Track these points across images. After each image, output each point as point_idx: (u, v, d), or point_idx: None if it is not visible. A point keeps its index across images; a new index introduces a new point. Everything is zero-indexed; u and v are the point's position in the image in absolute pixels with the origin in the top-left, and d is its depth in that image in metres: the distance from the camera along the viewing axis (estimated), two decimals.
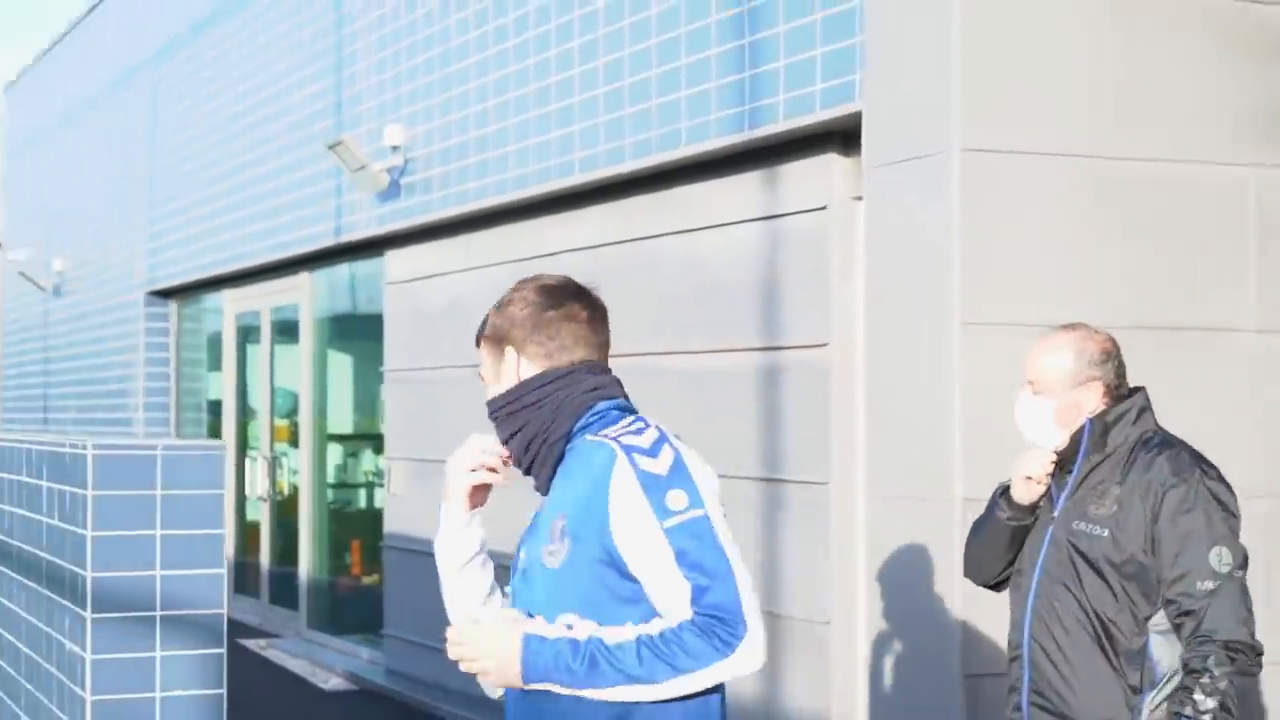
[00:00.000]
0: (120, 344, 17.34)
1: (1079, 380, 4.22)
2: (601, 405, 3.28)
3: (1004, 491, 4.39)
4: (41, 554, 6.77)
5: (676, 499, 3.06)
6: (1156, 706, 4.06)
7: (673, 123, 7.92)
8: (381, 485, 11.77)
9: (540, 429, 3.29)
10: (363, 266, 12.26)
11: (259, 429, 14.56)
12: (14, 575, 7.38)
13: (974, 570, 4.59)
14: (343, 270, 12.80)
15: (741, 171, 7.85)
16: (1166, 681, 4.06)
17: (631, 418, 3.25)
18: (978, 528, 4.53)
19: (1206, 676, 3.94)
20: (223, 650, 6.03)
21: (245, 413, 15.22)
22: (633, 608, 3.11)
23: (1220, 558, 4.01)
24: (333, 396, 13.52)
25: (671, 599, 3.05)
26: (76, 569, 6.10)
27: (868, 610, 7.00)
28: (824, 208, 7.34)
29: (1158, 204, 6.36)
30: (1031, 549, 4.31)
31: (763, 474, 7.72)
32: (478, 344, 3.48)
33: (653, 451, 3.09)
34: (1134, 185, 6.31)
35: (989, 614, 5.82)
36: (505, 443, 3.35)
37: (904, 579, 6.22)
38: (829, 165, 7.29)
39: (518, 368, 3.35)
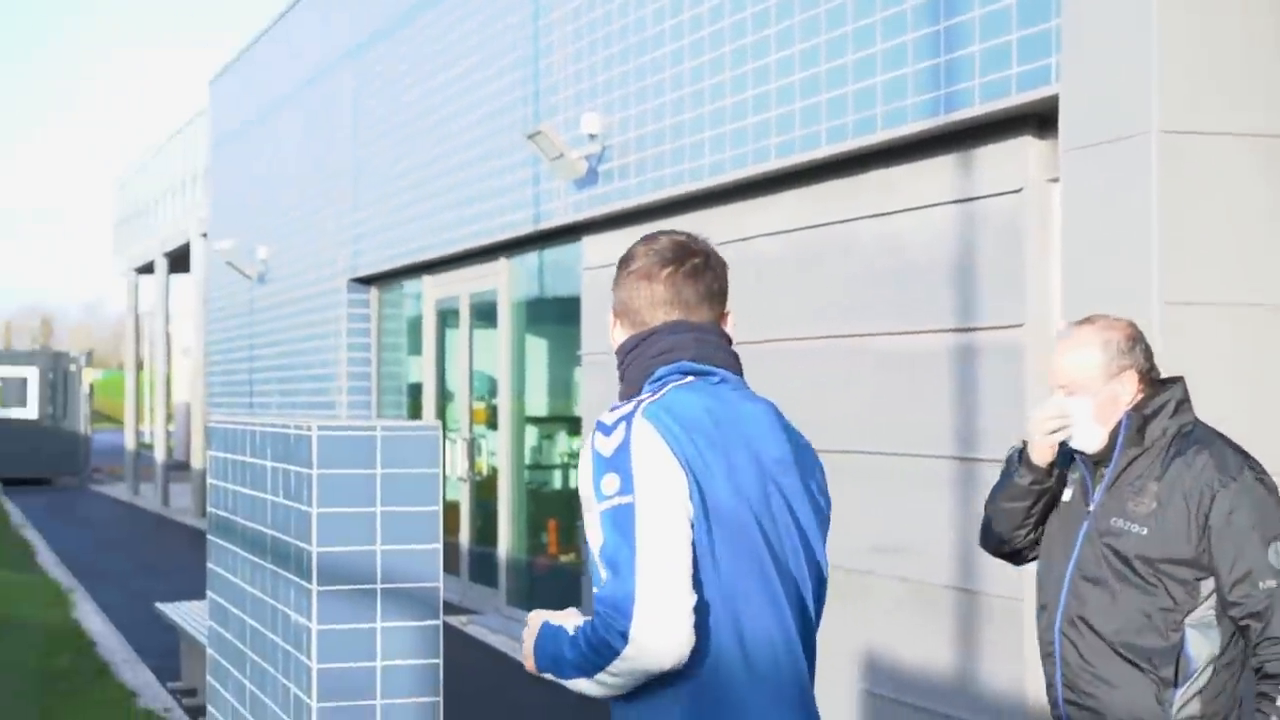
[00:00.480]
0: (323, 329, 17.82)
1: (1112, 372, 4.11)
2: (661, 370, 3.20)
3: (1020, 455, 4.31)
4: (267, 530, 7.09)
5: (609, 483, 3.00)
6: (1188, 701, 4.01)
7: (868, 108, 8.03)
8: (577, 467, 12.01)
9: (623, 396, 3.24)
10: (560, 252, 12.50)
11: (458, 412, 14.91)
12: (239, 550, 7.73)
13: (992, 540, 4.50)
14: (540, 256, 13.06)
15: (937, 155, 7.93)
16: (1199, 674, 4.01)
17: (654, 390, 3.16)
18: (994, 496, 4.43)
19: None
20: (439, 622, 6.29)
21: (444, 396, 15.59)
22: None
23: (1279, 553, 3.95)
24: (530, 380, 13.81)
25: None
26: (302, 544, 6.40)
27: None
28: (1019, 190, 7.41)
29: None
30: (1064, 543, 4.23)
31: (958, 453, 7.82)
32: None
33: (609, 429, 3.04)
34: None
35: None
36: None
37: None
38: (1024, 148, 7.35)
39: (612, 331, 3.34)
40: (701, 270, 3.24)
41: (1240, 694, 4.08)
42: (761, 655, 3.09)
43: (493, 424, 14.18)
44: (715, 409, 3.12)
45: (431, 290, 15.24)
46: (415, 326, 16.28)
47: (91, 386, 36.83)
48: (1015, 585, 7.44)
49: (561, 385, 13.58)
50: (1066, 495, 4.31)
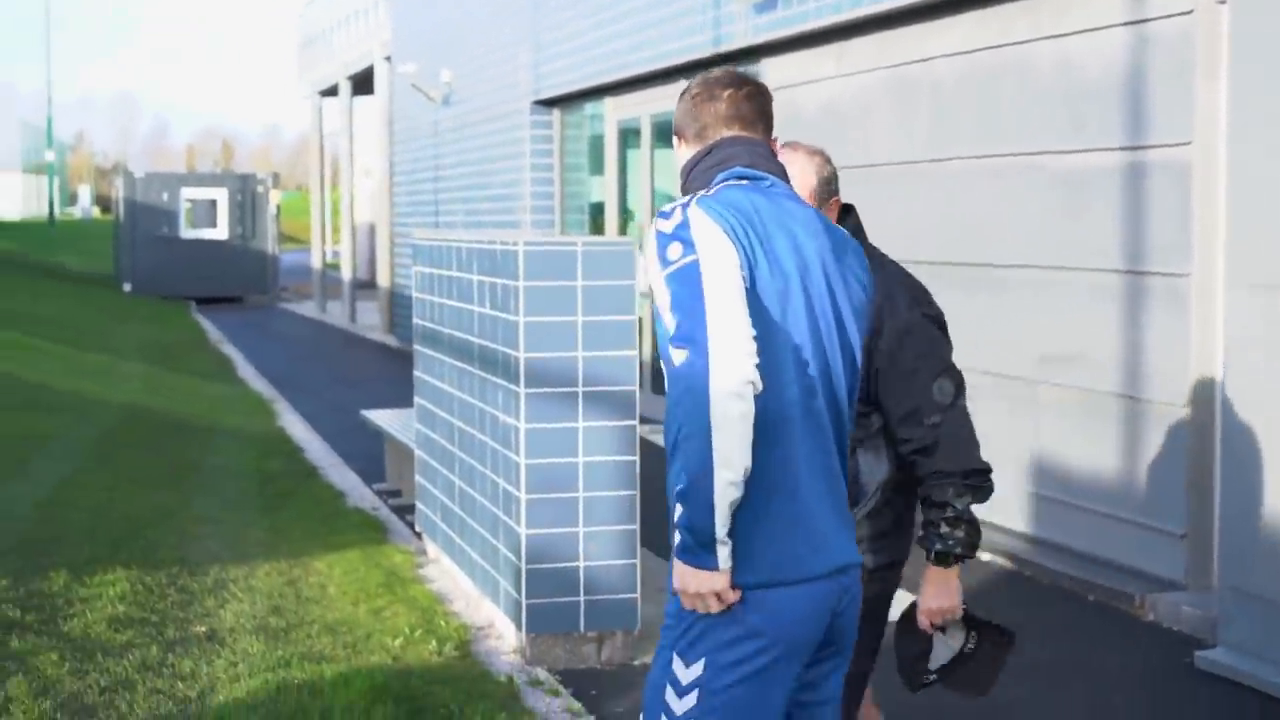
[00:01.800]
0: (506, 151, 18.31)
1: (823, 199, 4.32)
2: (720, 175, 3.56)
3: None
4: (474, 339, 7.66)
5: (674, 250, 3.33)
6: (858, 522, 4.15)
7: None
8: None
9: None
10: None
11: (638, 230, 15.37)
12: (445, 358, 8.32)
13: None
14: None
15: None
16: (870, 498, 4.20)
17: (720, 185, 3.52)
18: None
19: (950, 510, 4.10)
20: (635, 422, 6.82)
21: (626, 214, 16.05)
22: None
23: (942, 390, 4.12)
24: None
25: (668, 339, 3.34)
26: (509, 351, 6.96)
27: (1223, 398, 7.41)
28: (1190, 12, 7.62)
29: None
30: None
31: (1126, 267, 8.13)
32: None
33: (668, 214, 3.40)
34: None
35: None
36: None
37: (1261, 367, 6.58)
38: None
39: (680, 153, 3.74)
40: (755, 94, 3.65)
41: (906, 519, 4.32)
42: (800, 408, 3.40)
43: None
44: (761, 204, 3.46)
45: (613, 111, 15.63)
46: (597, 147, 16.70)
47: (278, 207, 37.83)
48: (1179, 393, 7.80)
49: None
50: None
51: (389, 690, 6.02)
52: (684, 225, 3.35)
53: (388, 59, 25.51)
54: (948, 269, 9.65)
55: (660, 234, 3.38)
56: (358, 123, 31.25)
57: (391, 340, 25.25)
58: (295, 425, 15.10)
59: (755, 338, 3.29)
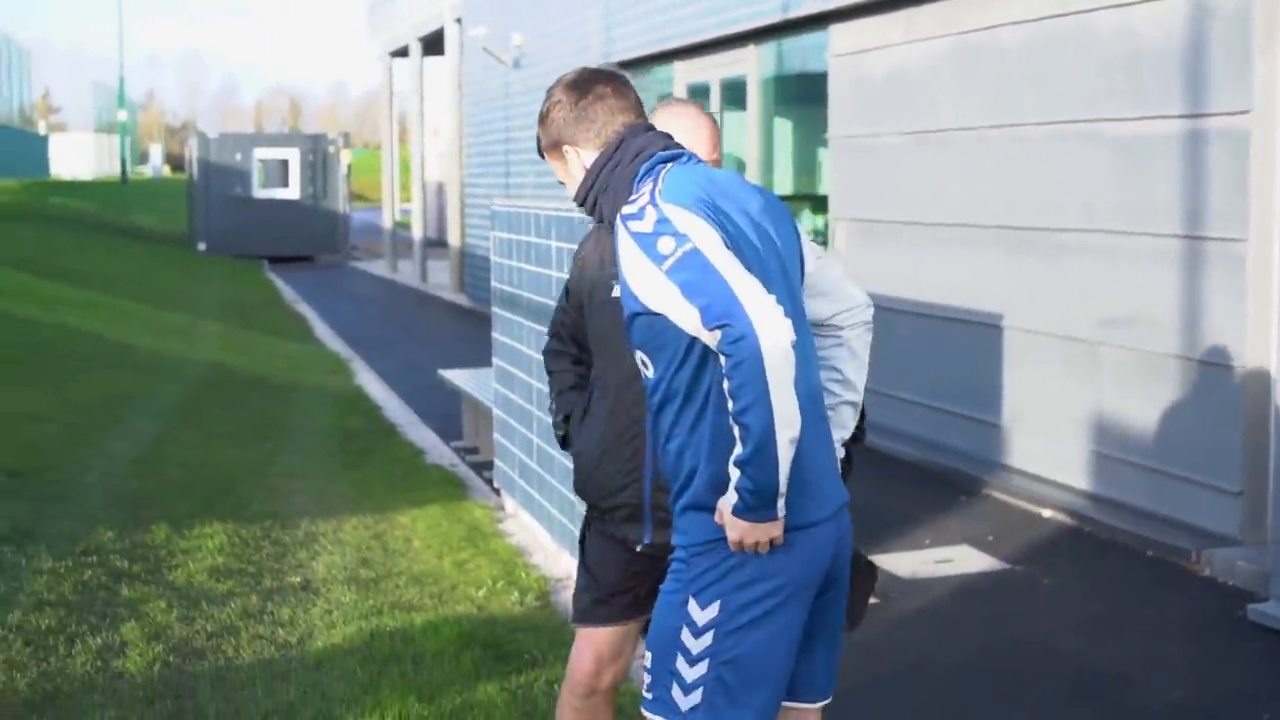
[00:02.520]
0: None
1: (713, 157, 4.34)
2: (643, 167, 3.68)
3: None
4: (551, 302, 7.95)
5: (665, 244, 3.41)
6: None
7: None
8: (815, 241, 12.67)
9: (615, 208, 3.69)
10: (807, 39, 13.02)
11: None
12: (524, 321, 8.63)
13: None
14: (788, 43, 13.59)
15: None
16: None
17: (651, 180, 3.60)
18: None
19: None
20: None
21: None
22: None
23: None
24: (777, 160, 14.45)
25: (692, 326, 3.40)
26: None
27: (1279, 360, 7.67)
28: None
29: None
30: None
31: (1184, 232, 8.35)
32: (542, 157, 3.95)
33: (638, 214, 3.47)
34: None
35: None
36: None
37: None
38: None
39: (580, 160, 3.80)
40: (626, 82, 3.83)
41: None
42: (798, 356, 3.46)
43: None
44: (701, 179, 3.59)
45: (682, 75, 15.87)
46: None
47: (349, 167, 38.27)
48: (1235, 354, 8.03)
49: (807, 166, 14.19)
50: None
51: (476, 637, 6.36)
52: (663, 220, 3.44)
53: (458, 21, 25.80)
54: (1008, 232, 9.89)
55: (640, 235, 3.44)
56: (427, 83, 31.55)
57: (462, 299, 25.61)
58: (372, 384, 15.49)
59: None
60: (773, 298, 3.36)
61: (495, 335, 9.43)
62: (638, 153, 3.70)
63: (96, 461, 9.60)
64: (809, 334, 3.69)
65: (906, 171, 11.17)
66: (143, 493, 8.89)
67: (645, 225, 3.45)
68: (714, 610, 3.50)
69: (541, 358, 4.18)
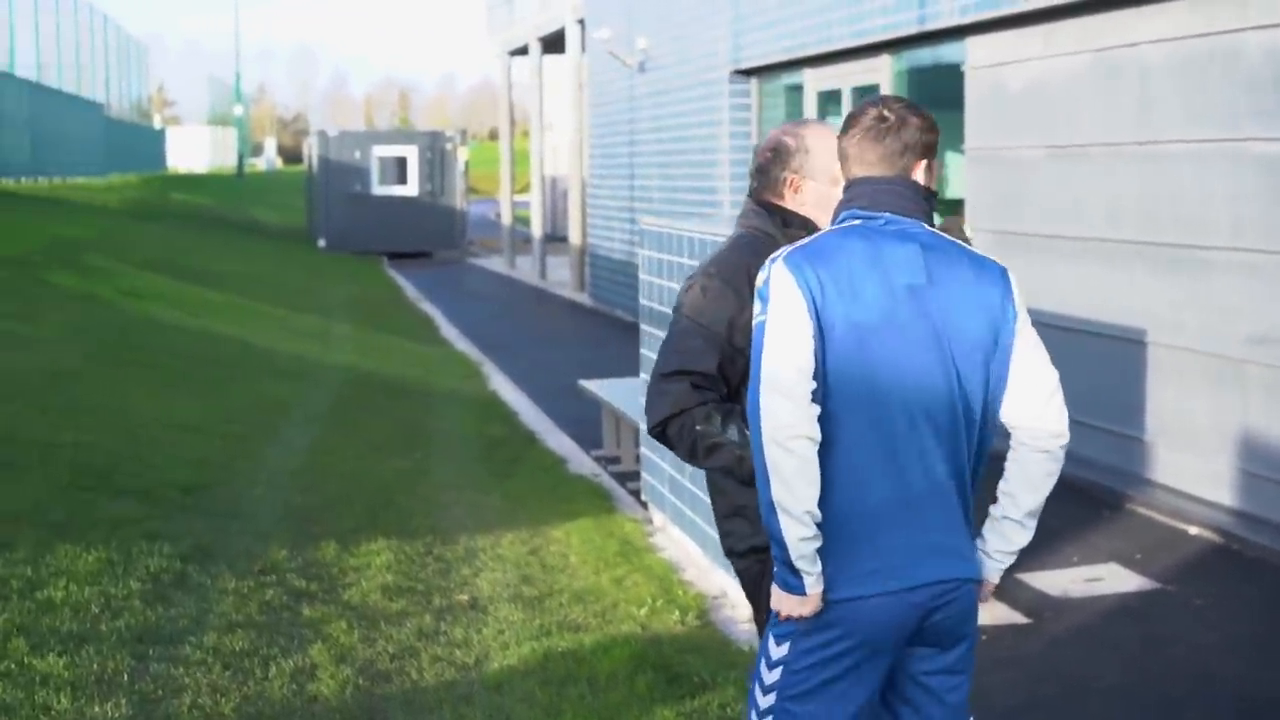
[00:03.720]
0: (703, 118, 18.72)
1: None
2: (843, 214, 3.80)
3: None
4: None
5: (758, 306, 3.69)
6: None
7: None
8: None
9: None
10: (943, 51, 13.08)
11: None
12: None
13: None
14: (923, 54, 13.65)
15: None
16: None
17: (835, 226, 3.78)
18: None
19: None
20: None
21: None
22: None
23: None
24: None
25: None
26: None
27: None
28: None
29: None
30: None
31: None
32: None
33: (766, 266, 3.71)
34: None
35: None
36: None
37: None
38: None
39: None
40: (880, 130, 3.76)
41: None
42: (880, 434, 3.65)
43: None
44: (857, 246, 3.68)
45: (813, 83, 15.96)
46: (796, 115, 17.03)
47: (466, 164, 38.65)
48: None
49: (942, 175, 14.25)
50: None
51: (646, 659, 6.54)
52: (766, 283, 3.66)
53: (580, 22, 26.02)
54: (1150, 249, 9.93)
55: (756, 288, 3.73)
56: (545, 78, 31.80)
57: (584, 299, 25.84)
58: (505, 388, 15.73)
59: (820, 386, 3.59)
60: (798, 393, 3.55)
61: (643, 351, 9.61)
62: (844, 203, 3.83)
63: (260, 475, 9.89)
64: (941, 408, 3.69)
65: (1044, 185, 11.23)
66: (307, 507, 9.16)
67: (760, 280, 3.71)
68: (785, 649, 3.77)
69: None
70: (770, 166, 4.38)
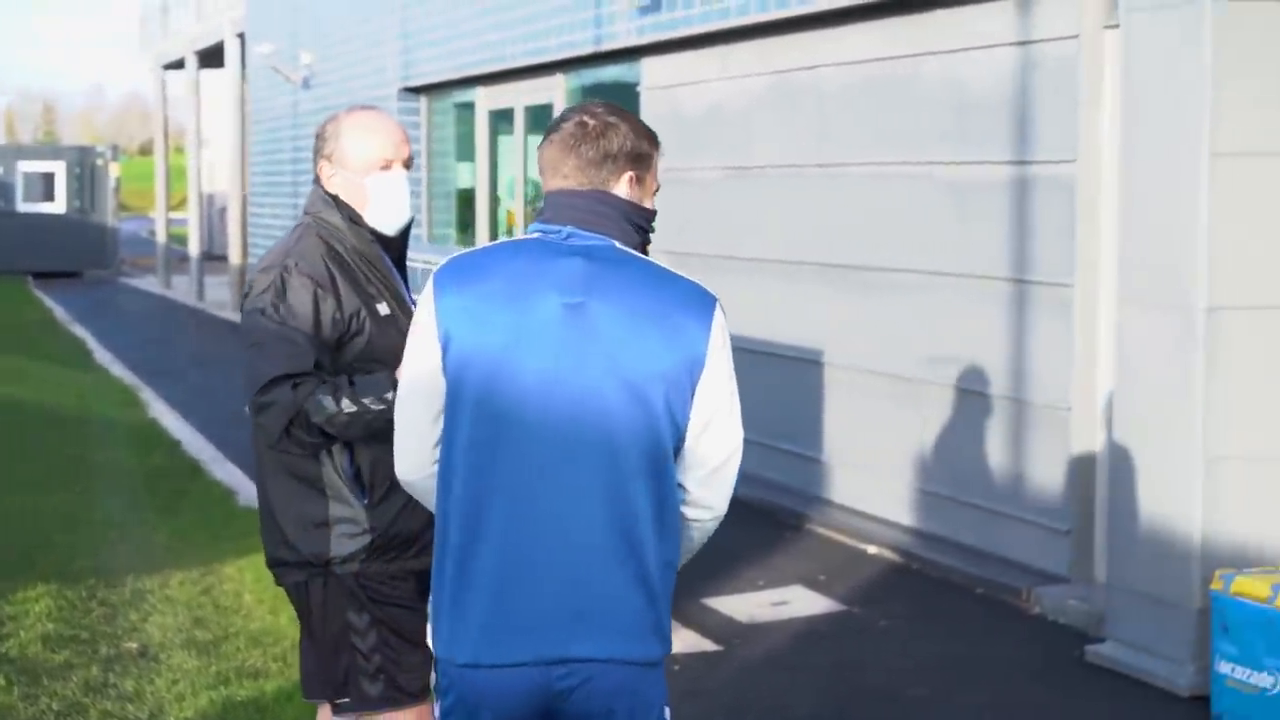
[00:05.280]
0: None
1: None
2: (529, 229, 3.45)
3: None
4: None
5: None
6: None
7: None
8: None
9: None
10: (619, 71, 13.03)
11: (507, 216, 15.55)
12: None
13: None
14: (601, 73, 13.58)
15: (998, 0, 8.51)
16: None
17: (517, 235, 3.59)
18: None
19: None
20: None
21: (494, 200, 16.21)
22: None
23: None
24: None
25: None
26: None
27: (1108, 403, 7.84)
28: (1075, 36, 8.01)
29: None
30: None
31: (1012, 275, 8.53)
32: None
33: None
34: None
35: (1232, 404, 6.63)
36: None
37: (1146, 377, 6.98)
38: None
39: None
40: (574, 140, 3.41)
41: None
42: (502, 527, 3.27)
43: None
44: (517, 264, 3.32)
45: (485, 101, 15.77)
46: (467, 133, 16.80)
47: (118, 180, 37.31)
48: (1061, 394, 8.21)
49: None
50: None
51: None
52: (420, 302, 3.42)
53: (239, 36, 25.34)
54: (830, 270, 10.00)
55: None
56: (202, 94, 30.90)
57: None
58: (166, 415, 15.07)
59: (451, 415, 3.32)
60: (413, 431, 3.39)
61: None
62: (536, 217, 3.47)
63: None
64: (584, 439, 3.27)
65: (724, 206, 11.23)
66: None
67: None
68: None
69: None
70: (315, 151, 4.23)
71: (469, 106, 16.28)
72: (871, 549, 9.37)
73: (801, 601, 8.34)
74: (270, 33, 22.30)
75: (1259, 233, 6.64)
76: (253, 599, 8.02)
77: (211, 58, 29.39)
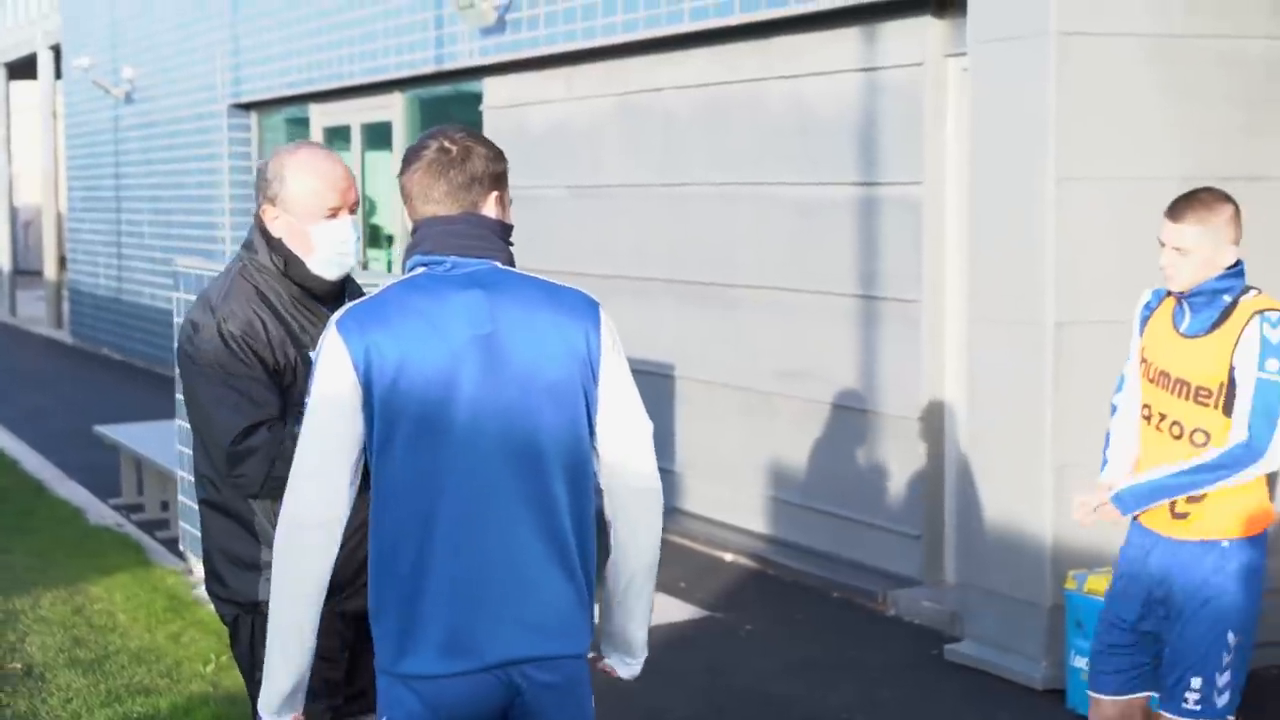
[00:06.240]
0: (201, 153, 18.22)
1: None
2: (409, 261, 3.54)
3: None
4: None
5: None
6: None
7: None
8: None
9: None
10: (458, 88, 13.18)
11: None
12: None
13: None
14: (437, 91, 13.72)
15: (843, 27, 8.87)
16: None
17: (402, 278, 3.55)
18: None
19: None
20: None
21: None
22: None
23: None
24: None
25: None
26: None
27: (954, 414, 8.26)
28: (920, 64, 8.41)
29: (1215, 73, 7.31)
30: None
31: (861, 291, 8.91)
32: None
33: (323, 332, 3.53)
34: (1198, 56, 7.27)
35: (1078, 413, 7.04)
36: None
37: (996, 386, 7.39)
38: (925, 27, 8.34)
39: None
40: (441, 164, 3.54)
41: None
42: (451, 544, 3.44)
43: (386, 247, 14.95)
44: (417, 302, 3.45)
45: (319, 118, 15.80)
46: None
47: None
48: (912, 407, 8.61)
49: None
50: None
51: (230, 719, 6.35)
52: (319, 350, 3.46)
53: (53, 48, 24.93)
54: (679, 286, 10.31)
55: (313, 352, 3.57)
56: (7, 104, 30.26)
57: (64, 336, 24.75)
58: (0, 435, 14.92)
59: (344, 477, 3.45)
60: (327, 478, 3.44)
61: (180, 396, 9.29)
62: (412, 249, 3.56)
63: None
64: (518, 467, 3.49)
65: (570, 224, 11.47)
66: None
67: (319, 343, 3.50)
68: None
69: None
70: (257, 189, 4.19)
71: (303, 123, 16.30)
72: (729, 556, 9.69)
73: (666, 608, 8.60)
74: (89, 46, 21.99)
75: (1101, 252, 7.07)
76: (127, 619, 8.09)
77: (23, 69, 28.84)
